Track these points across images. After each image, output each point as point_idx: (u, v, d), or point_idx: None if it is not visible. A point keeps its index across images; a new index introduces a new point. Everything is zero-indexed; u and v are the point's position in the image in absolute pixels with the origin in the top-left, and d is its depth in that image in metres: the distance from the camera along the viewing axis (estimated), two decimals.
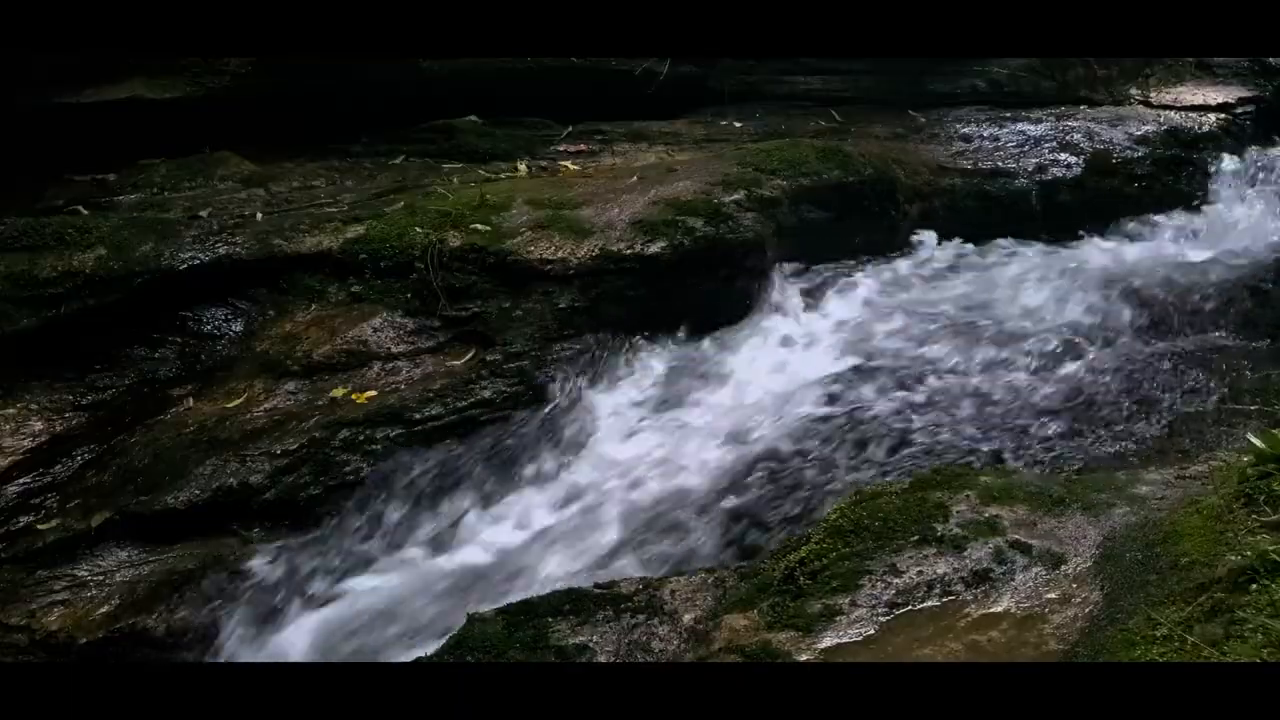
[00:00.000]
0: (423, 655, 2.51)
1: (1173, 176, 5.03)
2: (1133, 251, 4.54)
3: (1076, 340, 3.77)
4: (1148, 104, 5.58)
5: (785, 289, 4.12)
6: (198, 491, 3.15)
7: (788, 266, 4.19)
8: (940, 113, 5.34)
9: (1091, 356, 3.68)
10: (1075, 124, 5.17)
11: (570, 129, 5.00)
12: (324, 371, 3.53)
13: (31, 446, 3.32)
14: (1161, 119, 5.29)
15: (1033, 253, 4.50)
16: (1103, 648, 1.91)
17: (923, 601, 2.18)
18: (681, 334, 3.86)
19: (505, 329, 3.63)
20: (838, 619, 2.17)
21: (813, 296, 4.11)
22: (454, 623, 2.55)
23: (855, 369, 3.68)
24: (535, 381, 3.54)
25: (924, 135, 5.12)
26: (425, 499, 3.28)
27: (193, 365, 3.61)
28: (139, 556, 3.09)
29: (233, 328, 3.71)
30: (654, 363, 3.77)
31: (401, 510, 3.24)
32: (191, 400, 3.48)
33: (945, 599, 2.18)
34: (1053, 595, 2.13)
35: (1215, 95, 5.57)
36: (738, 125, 5.18)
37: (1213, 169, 5.10)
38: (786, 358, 3.80)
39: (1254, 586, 1.78)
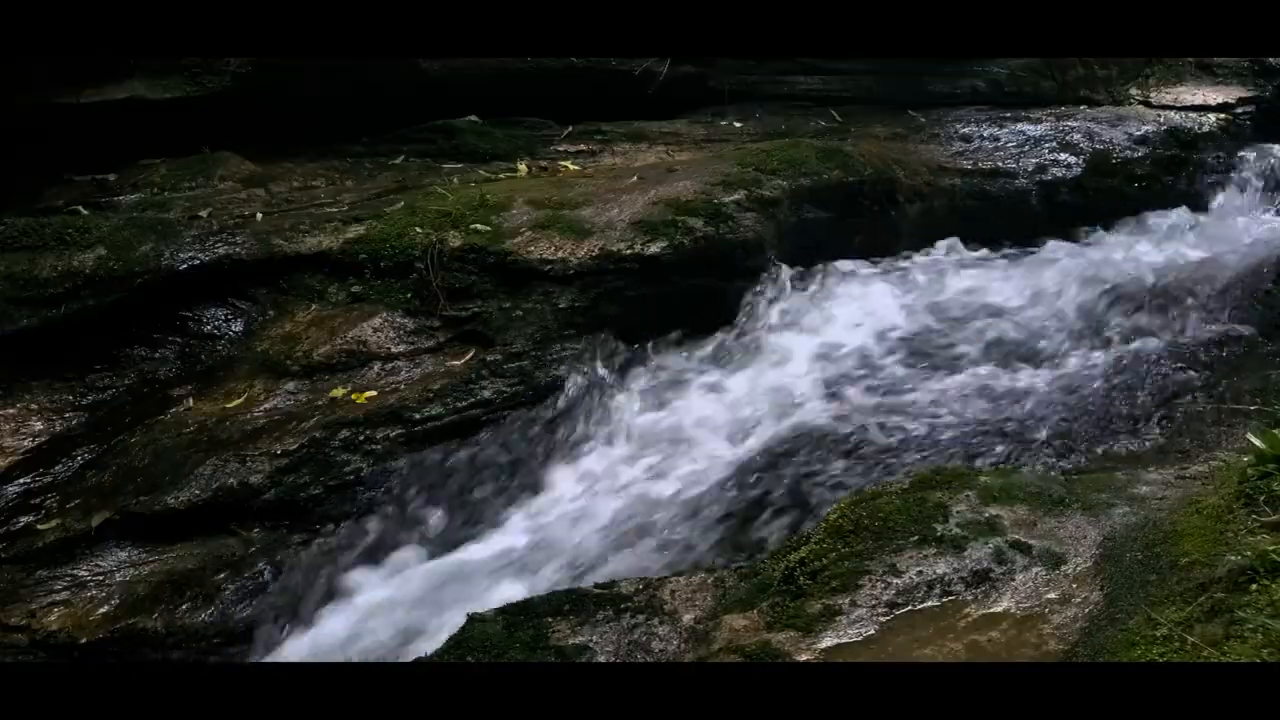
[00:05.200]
0: (423, 655, 2.51)
1: (1172, 176, 5.03)
2: (1132, 251, 4.53)
3: (1076, 340, 3.77)
4: (1148, 104, 5.58)
5: (785, 289, 4.12)
6: (198, 491, 3.15)
7: (788, 267, 4.19)
8: (940, 113, 5.34)
9: (1091, 357, 3.68)
10: (1075, 124, 5.17)
11: (570, 129, 5.00)
12: (324, 371, 3.54)
13: (31, 446, 3.32)
14: (1161, 119, 5.29)
15: (1032, 253, 4.49)
16: (1103, 648, 1.91)
17: (923, 601, 2.18)
18: (681, 334, 3.86)
19: (505, 329, 3.63)
20: (838, 619, 2.16)
21: (813, 296, 4.11)
22: (454, 623, 2.55)
23: (855, 368, 3.68)
24: (535, 381, 3.55)
25: (924, 135, 5.12)
26: (425, 499, 3.28)
27: (193, 365, 3.61)
28: (139, 556, 3.09)
29: (233, 328, 3.71)
30: (654, 363, 3.77)
31: (401, 510, 3.24)
32: (191, 400, 3.48)
33: (945, 599, 2.18)
34: (1053, 595, 2.13)
35: (1215, 95, 5.57)
36: (738, 125, 5.18)
37: (1212, 169, 5.10)
38: (786, 358, 3.80)
39: (1254, 586, 1.78)
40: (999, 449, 3.19)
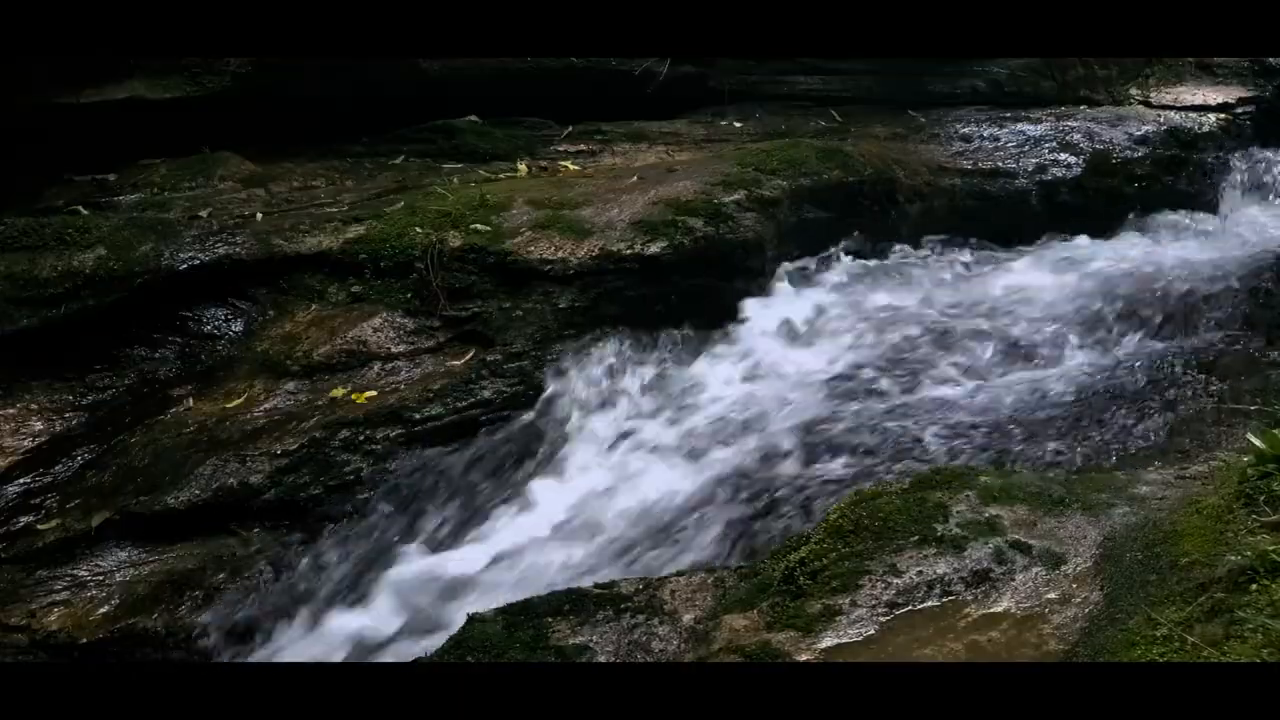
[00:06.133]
0: (423, 655, 2.52)
1: (1172, 176, 5.03)
2: (1132, 252, 4.53)
3: (1076, 340, 3.77)
4: (1148, 104, 5.58)
5: (785, 289, 4.12)
6: (198, 491, 3.15)
7: (788, 267, 4.19)
8: (940, 113, 5.34)
9: (1091, 357, 3.68)
10: (1075, 124, 5.17)
11: (570, 129, 5.00)
12: (324, 371, 3.54)
13: (31, 446, 3.32)
14: (1161, 119, 5.29)
15: (1033, 253, 4.49)
16: (1103, 648, 1.91)
17: (923, 601, 2.18)
18: (681, 334, 3.86)
19: (505, 329, 3.63)
20: (838, 619, 2.16)
21: (813, 297, 4.11)
22: (453, 623, 2.55)
23: (855, 369, 3.68)
24: (535, 381, 3.55)
25: (924, 135, 5.12)
26: (425, 499, 3.28)
27: (193, 365, 3.61)
28: (139, 556, 3.09)
29: (233, 328, 3.71)
30: (654, 362, 3.77)
31: (401, 510, 3.24)
32: (191, 400, 3.48)
33: (945, 599, 2.18)
34: (1053, 595, 2.13)
35: (1215, 95, 5.56)
36: (738, 125, 5.18)
37: (1212, 169, 5.10)
38: (786, 358, 3.80)
39: (1254, 586, 1.78)
40: (998, 449, 3.19)
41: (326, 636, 2.96)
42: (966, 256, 4.45)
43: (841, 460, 3.21)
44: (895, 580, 2.22)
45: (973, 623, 2.11)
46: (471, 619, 2.43)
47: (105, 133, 4.22)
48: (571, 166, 4.67)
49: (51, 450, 3.33)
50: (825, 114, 5.35)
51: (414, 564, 3.15)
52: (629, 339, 3.77)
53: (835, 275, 4.23)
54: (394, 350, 3.60)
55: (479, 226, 3.84)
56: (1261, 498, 2.00)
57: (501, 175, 4.52)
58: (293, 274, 3.80)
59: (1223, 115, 5.40)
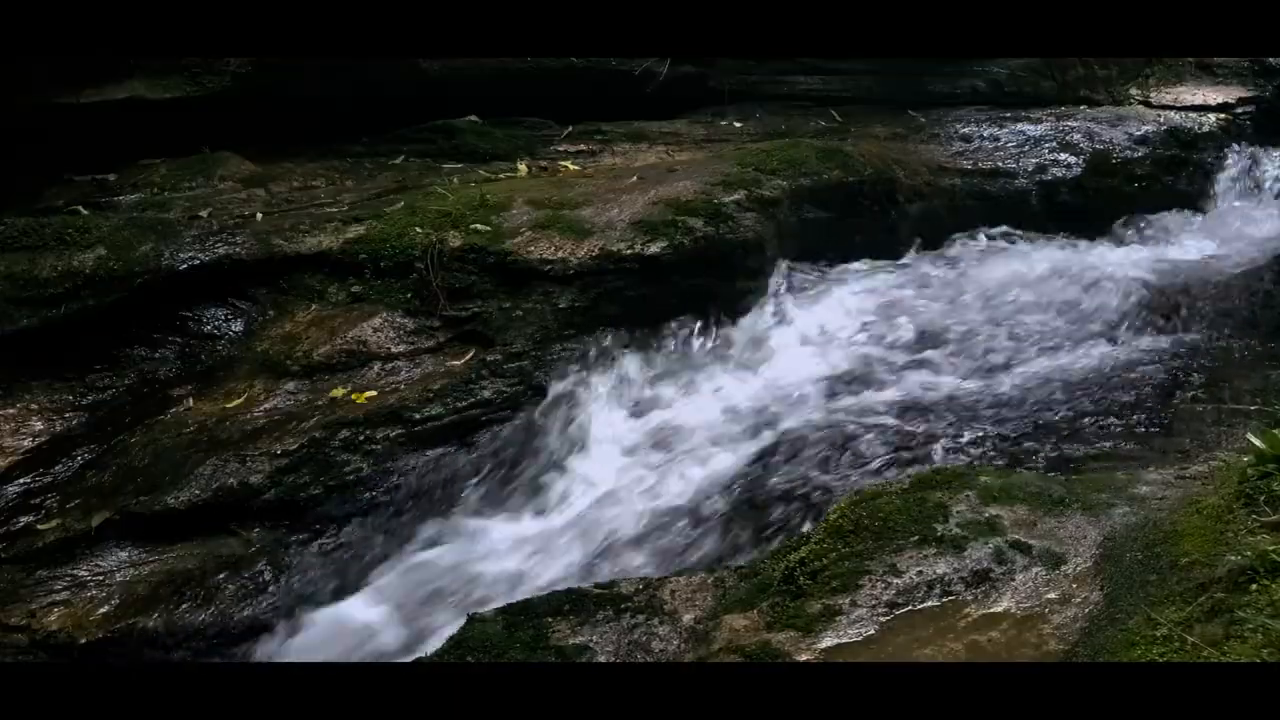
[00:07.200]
0: (423, 655, 2.52)
1: (1172, 176, 5.04)
2: (1132, 252, 4.54)
3: (1075, 340, 3.77)
4: (1148, 104, 5.59)
5: (785, 289, 4.12)
6: (198, 491, 3.15)
7: (788, 267, 4.19)
8: (940, 113, 5.35)
9: (1090, 357, 3.68)
10: (1075, 124, 5.18)
11: (570, 129, 5.00)
12: (324, 371, 3.54)
13: (31, 446, 3.32)
14: (1161, 119, 5.29)
15: (1032, 253, 4.49)
16: (1103, 648, 1.91)
17: (923, 601, 2.18)
18: (681, 334, 3.86)
19: (505, 329, 3.63)
20: (838, 619, 2.17)
21: (813, 297, 4.11)
22: (453, 623, 2.55)
23: (854, 369, 3.68)
24: (535, 381, 3.55)
25: (924, 135, 5.12)
26: (425, 499, 3.28)
27: (193, 365, 3.61)
28: (139, 556, 3.09)
29: (233, 328, 3.71)
30: (654, 363, 3.77)
31: (401, 510, 3.24)
32: (191, 400, 3.49)
33: (945, 599, 2.18)
34: (1053, 595, 2.13)
35: (1215, 95, 5.57)
36: (738, 125, 5.18)
37: (1212, 169, 5.11)
38: (785, 358, 3.80)
39: (1254, 586, 1.78)
40: (998, 449, 3.19)
41: (326, 636, 2.95)
42: (965, 257, 4.45)
43: (840, 460, 3.21)
44: (895, 580, 2.22)
45: (973, 623, 2.11)
46: (472, 619, 2.43)
47: (105, 133, 4.22)
48: (571, 166, 4.67)
49: (51, 450, 3.33)
50: (825, 114, 5.35)
51: (414, 564, 3.15)
52: (629, 339, 3.77)
53: (835, 274, 4.23)
54: (394, 350, 3.60)
55: (479, 226, 3.84)
56: (1261, 498, 2.00)
57: (501, 175, 4.52)
58: (293, 274, 3.80)
59: (1223, 115, 5.41)
